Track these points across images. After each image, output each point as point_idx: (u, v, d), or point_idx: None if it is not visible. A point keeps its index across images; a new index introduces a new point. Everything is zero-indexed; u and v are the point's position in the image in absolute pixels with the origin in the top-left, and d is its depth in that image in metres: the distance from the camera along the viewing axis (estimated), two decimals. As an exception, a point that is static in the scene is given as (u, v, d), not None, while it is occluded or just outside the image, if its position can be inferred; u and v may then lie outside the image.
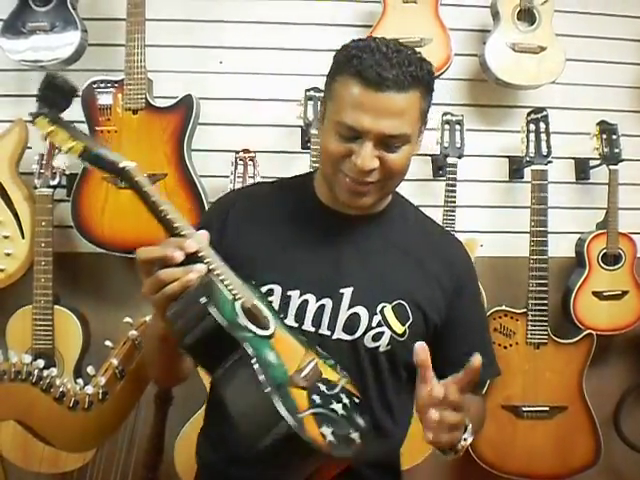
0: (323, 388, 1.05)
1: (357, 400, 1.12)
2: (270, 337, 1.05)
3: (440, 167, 2.36)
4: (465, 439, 1.04)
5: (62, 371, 2.13)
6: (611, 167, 2.30)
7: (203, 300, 0.97)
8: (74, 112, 2.14)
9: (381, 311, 1.23)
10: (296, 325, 1.21)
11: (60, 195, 2.23)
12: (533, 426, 2.23)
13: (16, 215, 2.18)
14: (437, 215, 2.19)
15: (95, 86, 2.15)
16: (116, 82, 2.15)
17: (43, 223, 2.12)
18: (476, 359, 0.99)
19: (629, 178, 2.41)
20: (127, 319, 1.75)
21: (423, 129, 1.23)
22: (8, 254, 2.17)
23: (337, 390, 1.08)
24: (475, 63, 2.38)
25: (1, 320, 2.19)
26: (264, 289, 1.20)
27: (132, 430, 1.83)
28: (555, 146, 2.25)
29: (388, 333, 1.23)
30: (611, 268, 2.32)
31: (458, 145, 2.26)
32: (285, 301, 1.21)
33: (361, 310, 1.23)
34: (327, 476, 1.00)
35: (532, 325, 2.22)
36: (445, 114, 2.28)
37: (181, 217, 1.04)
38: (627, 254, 2.32)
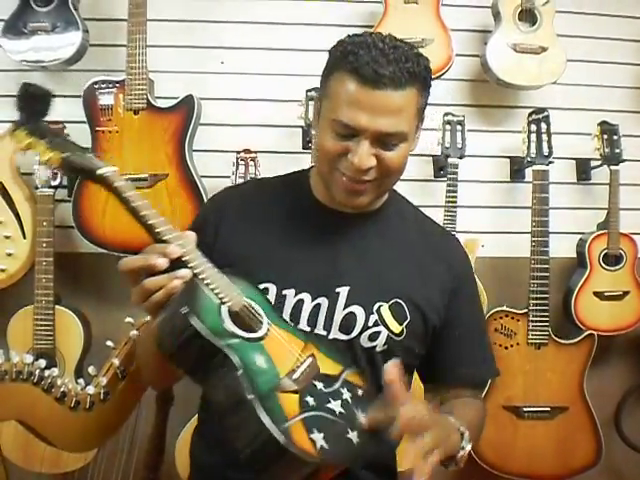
0: (320, 386, 1.03)
1: (361, 392, 1.08)
2: (261, 339, 1.03)
3: (441, 167, 2.36)
4: (463, 447, 1.02)
5: (63, 371, 2.13)
6: (612, 167, 2.30)
7: (184, 310, 0.95)
8: (76, 112, 2.17)
9: (378, 310, 1.21)
10: (291, 325, 1.19)
11: (61, 195, 2.23)
12: (534, 426, 2.23)
13: (17, 215, 2.18)
14: (438, 215, 2.19)
15: (96, 86, 2.15)
16: (117, 82, 2.15)
17: (44, 223, 2.12)
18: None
19: (630, 178, 2.41)
20: (128, 319, 1.75)
21: (420, 126, 1.20)
22: (9, 254, 2.17)
23: (337, 385, 1.06)
24: (476, 63, 2.38)
25: (2, 320, 2.19)
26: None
27: (133, 430, 1.83)
28: (556, 146, 2.25)
29: (385, 333, 1.21)
30: (612, 268, 2.32)
31: (459, 145, 2.26)
32: (280, 300, 1.19)
33: (357, 309, 1.21)
34: (324, 478, 0.98)
35: (533, 325, 2.22)
36: (446, 114, 2.28)
37: (165, 221, 1.02)
38: (628, 254, 2.32)
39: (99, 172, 1.02)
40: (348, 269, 1.23)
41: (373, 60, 1.07)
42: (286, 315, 1.19)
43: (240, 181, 2.18)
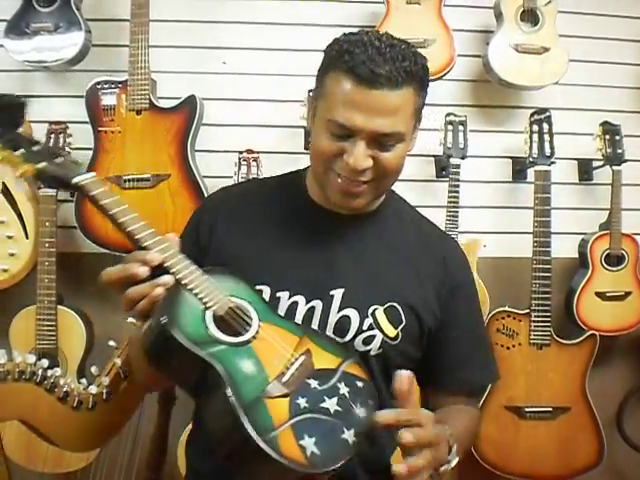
0: (314, 384, 0.99)
1: (361, 384, 1.04)
2: (248, 342, 1.00)
3: (443, 168, 2.36)
4: (449, 461, 0.99)
5: (65, 371, 2.13)
6: (614, 168, 2.31)
7: (164, 320, 0.93)
8: (79, 112, 2.18)
9: (372, 314, 1.18)
10: (286, 320, 1.13)
11: (64, 195, 2.23)
12: (536, 427, 2.22)
13: (20, 215, 2.19)
14: (440, 216, 2.19)
15: (99, 87, 2.16)
16: (120, 83, 2.16)
17: (47, 223, 2.13)
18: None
19: (632, 179, 2.41)
20: (130, 319, 1.75)
21: (418, 126, 1.18)
22: (12, 254, 2.18)
23: (333, 380, 1.02)
24: (478, 64, 2.38)
25: (5, 320, 2.19)
26: None
27: (135, 430, 1.83)
28: (558, 147, 2.25)
29: (380, 336, 1.18)
30: (614, 269, 2.32)
31: (461, 146, 2.26)
32: (274, 303, 1.15)
33: (352, 312, 1.18)
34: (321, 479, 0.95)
35: (535, 326, 2.22)
36: (448, 115, 2.28)
37: (145, 226, 1.00)
38: (630, 255, 2.32)
39: (74, 181, 1.01)
40: (344, 271, 1.21)
41: (369, 59, 1.05)
42: None
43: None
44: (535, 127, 2.26)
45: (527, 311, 2.23)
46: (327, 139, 1.11)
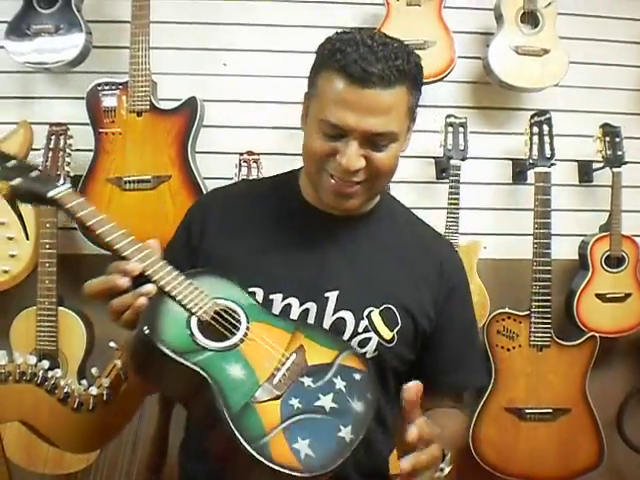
0: (308, 382, 0.97)
1: (359, 376, 1.02)
2: (236, 345, 0.97)
3: (443, 169, 2.36)
4: (442, 469, 0.97)
5: (66, 372, 2.13)
6: (614, 169, 2.31)
7: (146, 330, 0.92)
8: (79, 114, 2.18)
9: (368, 316, 1.17)
10: (278, 318, 1.12)
11: (64, 197, 2.23)
12: (536, 428, 2.22)
13: (20, 217, 2.18)
14: (440, 217, 2.20)
15: (99, 88, 2.16)
16: (120, 84, 2.16)
17: (47, 225, 2.12)
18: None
19: (632, 180, 2.41)
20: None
21: (412, 126, 1.17)
22: (12, 255, 2.18)
23: (329, 376, 0.99)
24: (478, 66, 2.39)
25: (5, 321, 2.19)
26: None
27: (136, 432, 1.83)
28: (558, 148, 2.25)
29: (375, 339, 1.17)
30: (614, 270, 2.32)
31: (461, 147, 2.26)
32: (267, 305, 1.14)
33: (347, 315, 1.17)
34: None
35: (535, 327, 2.22)
36: (448, 116, 2.27)
37: (124, 235, 1.00)
38: (630, 256, 2.32)
39: (49, 195, 1.01)
40: (338, 273, 1.20)
41: (361, 58, 1.04)
42: None
43: (243, 183, 2.19)
44: (535, 129, 2.26)
45: (527, 313, 2.24)
46: (319, 139, 1.11)
